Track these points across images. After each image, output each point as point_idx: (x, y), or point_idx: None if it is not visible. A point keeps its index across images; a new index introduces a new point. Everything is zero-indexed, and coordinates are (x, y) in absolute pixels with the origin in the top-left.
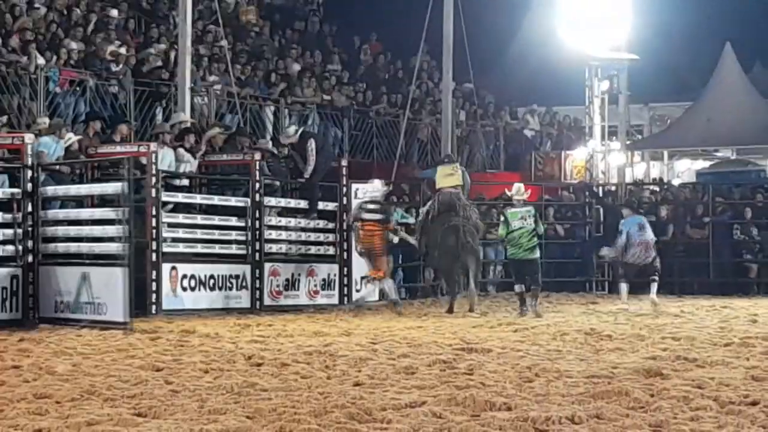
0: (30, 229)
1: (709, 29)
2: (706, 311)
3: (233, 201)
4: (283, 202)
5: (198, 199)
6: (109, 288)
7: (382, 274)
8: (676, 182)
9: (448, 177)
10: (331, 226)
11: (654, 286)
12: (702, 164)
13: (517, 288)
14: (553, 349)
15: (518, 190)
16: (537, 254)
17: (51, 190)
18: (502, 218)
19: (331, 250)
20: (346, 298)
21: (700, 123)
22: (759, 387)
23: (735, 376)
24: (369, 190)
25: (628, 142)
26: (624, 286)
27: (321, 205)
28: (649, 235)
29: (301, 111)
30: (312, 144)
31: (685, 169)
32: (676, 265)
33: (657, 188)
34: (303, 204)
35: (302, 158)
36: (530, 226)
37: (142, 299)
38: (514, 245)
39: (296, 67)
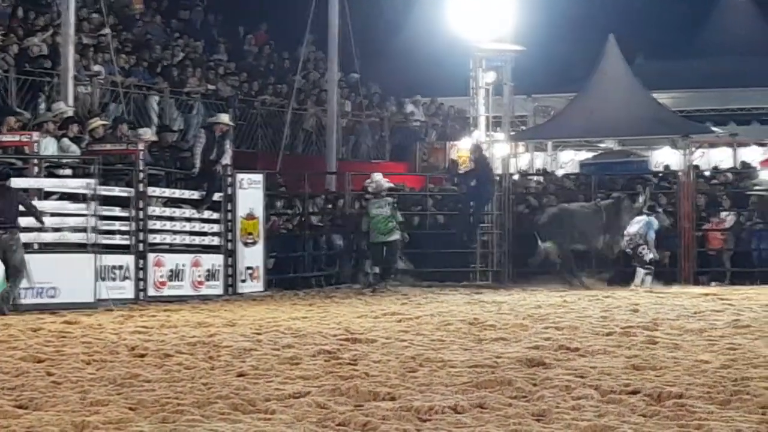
0: None
1: (593, 21)
2: (588, 300)
3: (117, 191)
4: (167, 192)
5: (83, 189)
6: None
7: None
8: (560, 173)
9: None
10: (216, 216)
11: (638, 273)
12: (585, 155)
13: (375, 269)
14: (436, 339)
15: (371, 183)
16: (394, 237)
17: None
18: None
19: (216, 241)
20: (230, 289)
21: (583, 114)
22: (640, 376)
23: (616, 365)
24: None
25: (512, 133)
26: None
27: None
28: (633, 228)
29: (186, 101)
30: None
31: (568, 160)
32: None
33: (541, 179)
34: (189, 194)
35: (218, 150)
36: (386, 213)
37: None
38: (374, 230)
39: (181, 56)
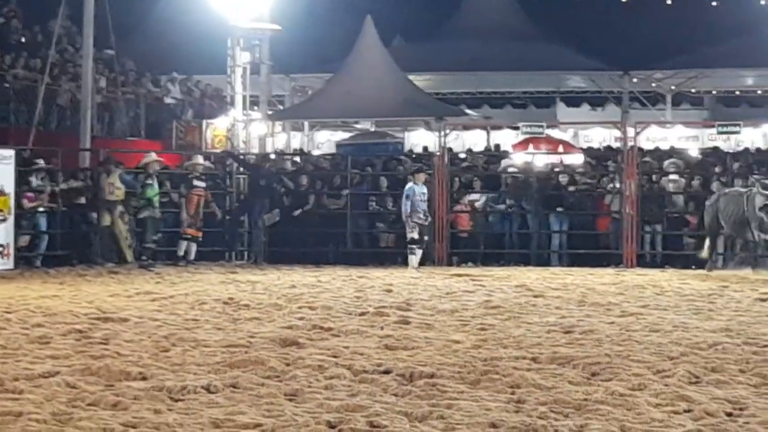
0: None
1: (351, 2)
2: (342, 281)
3: None
4: None
5: None
6: None
7: (200, 235)
8: (316, 153)
9: None
10: None
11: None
12: (342, 136)
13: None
14: (191, 318)
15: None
16: (142, 215)
17: None
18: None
19: None
20: None
21: (340, 95)
22: (392, 355)
23: (369, 345)
24: (197, 163)
25: (269, 113)
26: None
27: None
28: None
29: None
30: None
31: (325, 140)
32: (313, 235)
33: (297, 158)
34: None
35: None
36: (138, 191)
37: None
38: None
39: None
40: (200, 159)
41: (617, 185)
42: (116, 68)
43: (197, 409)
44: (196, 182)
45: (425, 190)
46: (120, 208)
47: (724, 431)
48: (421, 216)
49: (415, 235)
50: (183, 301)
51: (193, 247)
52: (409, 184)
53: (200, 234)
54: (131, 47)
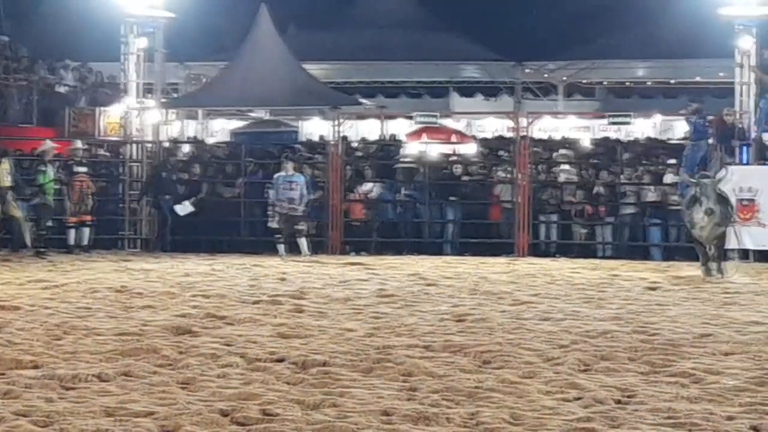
0: None
1: None
2: (236, 269)
3: None
4: None
5: None
6: None
7: (90, 219)
8: (210, 141)
9: None
10: None
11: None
12: (237, 124)
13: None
14: (83, 306)
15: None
16: (35, 201)
17: None
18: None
19: None
20: None
21: (235, 83)
22: (286, 344)
23: (263, 333)
24: (77, 148)
25: (163, 100)
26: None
27: None
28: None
29: None
30: None
31: (220, 129)
32: (208, 223)
33: (192, 147)
34: None
35: None
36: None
37: None
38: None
39: None
40: (79, 144)
41: (508, 175)
42: (9, 54)
43: (89, 398)
44: (77, 168)
45: (296, 178)
46: (11, 194)
47: (614, 418)
48: (285, 204)
49: (274, 225)
50: (75, 289)
51: (86, 233)
52: (277, 174)
53: (88, 218)
54: (25, 33)
